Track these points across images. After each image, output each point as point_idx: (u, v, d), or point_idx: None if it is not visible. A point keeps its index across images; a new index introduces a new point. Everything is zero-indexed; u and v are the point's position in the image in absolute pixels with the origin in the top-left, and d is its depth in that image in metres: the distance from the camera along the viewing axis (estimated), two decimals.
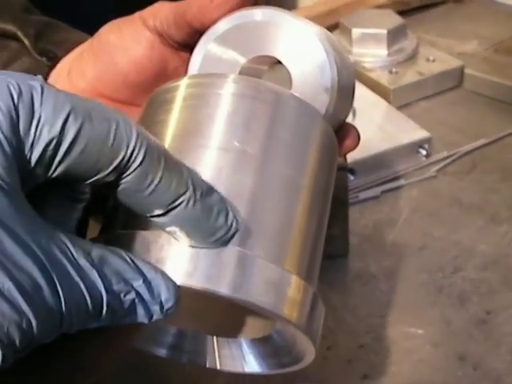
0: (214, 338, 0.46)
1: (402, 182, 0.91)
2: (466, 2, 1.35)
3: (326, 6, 1.25)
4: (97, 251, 0.33)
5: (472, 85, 1.08)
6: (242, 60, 0.45)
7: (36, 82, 0.32)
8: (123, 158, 0.33)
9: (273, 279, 0.36)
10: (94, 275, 0.32)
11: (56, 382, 0.38)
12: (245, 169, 0.38)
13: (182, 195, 0.35)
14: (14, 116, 0.31)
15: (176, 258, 0.36)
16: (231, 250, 0.36)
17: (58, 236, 0.32)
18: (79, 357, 0.39)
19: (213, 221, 0.36)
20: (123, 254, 0.34)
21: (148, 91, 0.48)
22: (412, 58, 1.11)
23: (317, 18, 1.22)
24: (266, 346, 0.44)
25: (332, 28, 1.18)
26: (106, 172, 0.33)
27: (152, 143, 0.34)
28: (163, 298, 0.35)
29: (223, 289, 0.35)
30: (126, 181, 0.34)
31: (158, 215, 0.35)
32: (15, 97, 0.31)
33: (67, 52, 0.54)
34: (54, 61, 0.54)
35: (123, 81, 0.50)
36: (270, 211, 0.38)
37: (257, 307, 0.36)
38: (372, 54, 1.10)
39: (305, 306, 0.38)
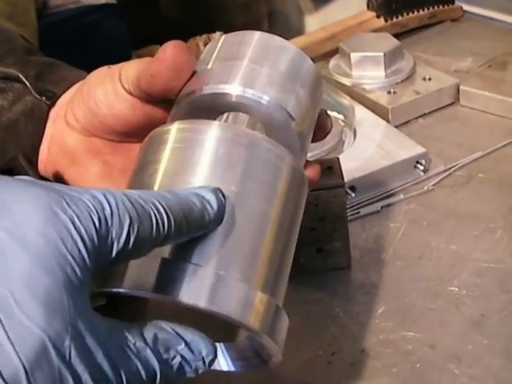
0: None
1: (400, 196, 0.96)
2: (463, 21, 1.41)
3: (326, 32, 1.31)
4: (148, 330, 0.41)
5: (467, 100, 1.13)
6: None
7: (110, 196, 0.40)
8: (162, 239, 0.42)
9: (242, 295, 0.45)
10: (149, 353, 0.40)
11: None
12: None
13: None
14: (95, 236, 0.38)
15: (164, 276, 0.44)
16: (208, 271, 0.44)
17: (117, 329, 0.40)
18: None
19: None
20: (164, 325, 0.42)
21: (138, 136, 0.55)
22: (409, 77, 1.16)
23: (317, 44, 1.29)
24: (239, 349, 0.51)
25: (332, 53, 1.24)
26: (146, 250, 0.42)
27: (176, 215, 0.42)
28: (204, 354, 0.43)
29: (201, 303, 0.43)
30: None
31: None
32: (96, 223, 0.38)
33: (65, 90, 0.60)
34: (52, 99, 0.60)
35: (112, 130, 0.56)
36: (242, 239, 0.46)
37: (228, 318, 0.44)
38: (371, 76, 1.16)
39: (268, 316, 0.46)
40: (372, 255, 0.87)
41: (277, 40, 0.55)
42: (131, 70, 0.54)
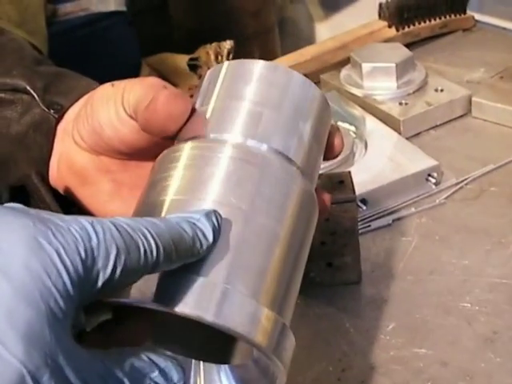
0: (200, 362, 0.52)
1: (412, 210, 0.95)
2: (475, 31, 1.40)
3: (337, 42, 1.30)
4: (125, 359, 0.41)
5: (479, 112, 1.12)
6: None
7: (98, 226, 0.39)
8: (151, 268, 0.42)
9: (249, 311, 0.44)
10: (127, 382, 0.40)
11: None
12: (233, 219, 0.46)
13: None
14: (80, 267, 0.38)
15: (173, 288, 0.43)
16: (216, 285, 0.44)
17: (98, 360, 0.39)
18: None
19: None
20: (141, 354, 0.42)
21: (146, 155, 0.54)
22: (421, 88, 1.15)
23: (328, 53, 1.28)
24: (243, 371, 0.51)
25: (343, 62, 1.23)
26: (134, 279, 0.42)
27: (165, 243, 0.42)
28: (176, 380, 0.43)
29: (207, 316, 0.43)
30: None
31: None
32: (82, 254, 0.38)
33: (73, 102, 0.59)
34: (60, 112, 0.59)
35: (118, 151, 0.56)
36: (251, 255, 0.46)
37: (234, 333, 0.43)
38: (382, 86, 1.15)
39: (274, 334, 0.45)
40: (383, 270, 0.87)
41: (281, 71, 0.54)
42: (132, 96, 0.52)
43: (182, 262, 0.43)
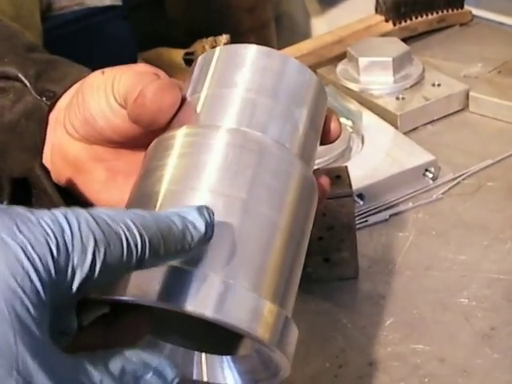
0: (202, 354, 0.51)
1: (409, 205, 0.94)
2: (472, 25, 1.39)
3: (333, 36, 1.30)
4: (114, 363, 0.38)
5: (477, 107, 1.12)
6: None
7: (72, 217, 0.36)
8: (135, 264, 0.38)
9: (251, 305, 0.43)
10: None
11: None
12: (232, 210, 0.45)
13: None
14: (52, 265, 0.34)
15: (170, 284, 0.42)
16: (216, 279, 0.42)
17: (80, 365, 0.36)
18: None
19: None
20: (129, 353, 0.39)
21: (140, 142, 0.53)
22: (418, 83, 1.15)
23: (324, 48, 1.28)
24: (247, 363, 0.50)
25: (340, 57, 1.23)
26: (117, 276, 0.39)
27: (152, 236, 0.38)
28: (170, 378, 0.40)
29: (208, 312, 0.42)
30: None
31: None
32: (54, 250, 0.34)
33: (66, 89, 0.58)
34: (52, 100, 0.58)
35: (111, 140, 0.54)
36: (252, 247, 0.44)
37: (236, 328, 0.42)
38: (379, 81, 1.14)
39: (277, 327, 0.44)
40: (380, 265, 0.86)
41: (275, 56, 0.52)
42: (122, 85, 0.51)
43: (172, 259, 0.41)
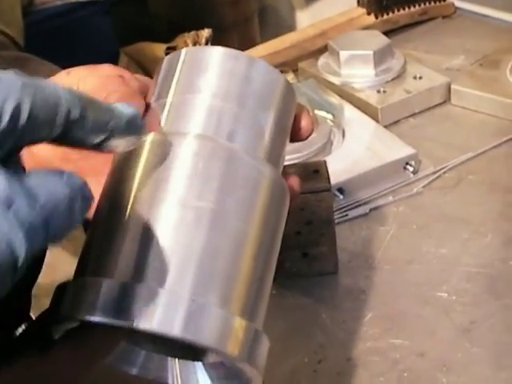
0: (176, 360, 0.51)
1: (390, 199, 0.94)
2: (454, 18, 1.39)
3: (316, 29, 1.29)
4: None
5: (458, 100, 1.12)
6: None
7: None
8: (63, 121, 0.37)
9: (219, 322, 0.42)
10: None
11: None
12: (200, 223, 0.44)
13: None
14: None
15: (139, 303, 0.41)
16: (183, 297, 0.42)
17: None
18: (56, 375, 0.43)
19: None
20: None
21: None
22: (399, 76, 1.14)
23: (307, 41, 1.27)
24: (219, 369, 0.49)
25: (322, 50, 1.22)
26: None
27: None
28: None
29: (175, 331, 0.41)
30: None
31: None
32: None
33: None
34: None
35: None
36: (220, 261, 0.44)
37: (205, 346, 0.42)
38: (360, 74, 1.14)
39: (247, 342, 0.44)
40: (360, 259, 0.86)
41: (241, 58, 0.51)
42: (87, 88, 0.50)
43: (102, 132, 0.40)
